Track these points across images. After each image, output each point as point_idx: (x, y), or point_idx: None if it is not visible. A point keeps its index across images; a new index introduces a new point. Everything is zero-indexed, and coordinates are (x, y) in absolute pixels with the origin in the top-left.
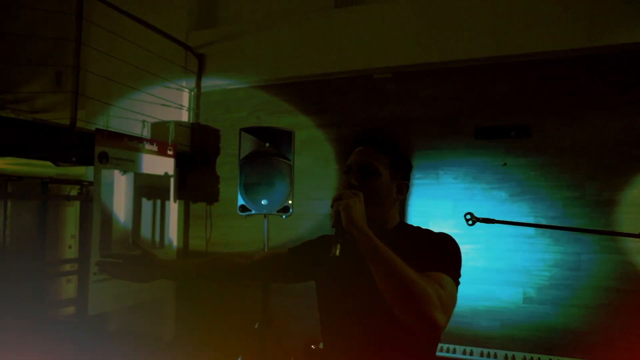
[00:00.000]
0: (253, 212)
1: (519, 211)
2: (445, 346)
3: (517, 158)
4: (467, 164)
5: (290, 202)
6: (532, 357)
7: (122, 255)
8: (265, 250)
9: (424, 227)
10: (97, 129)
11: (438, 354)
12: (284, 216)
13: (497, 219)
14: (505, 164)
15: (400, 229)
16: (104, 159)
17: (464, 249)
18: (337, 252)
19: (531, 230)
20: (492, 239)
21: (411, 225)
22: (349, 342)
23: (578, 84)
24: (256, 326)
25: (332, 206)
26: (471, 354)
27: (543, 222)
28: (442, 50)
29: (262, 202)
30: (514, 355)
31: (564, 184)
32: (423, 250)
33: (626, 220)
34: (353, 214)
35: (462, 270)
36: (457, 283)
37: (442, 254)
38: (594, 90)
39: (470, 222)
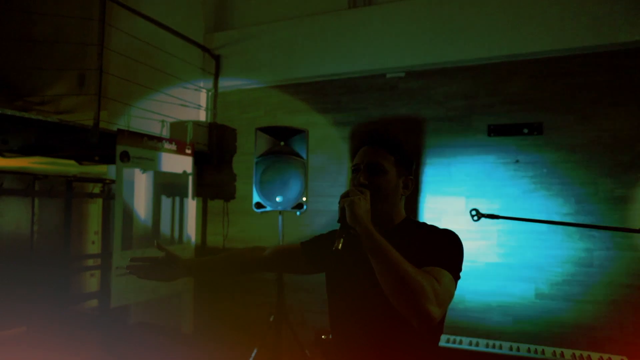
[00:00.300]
0: (268, 208)
1: (532, 208)
2: (452, 337)
3: (530, 155)
4: (479, 161)
5: (304, 199)
6: (536, 349)
7: (149, 259)
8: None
9: (435, 223)
10: (119, 129)
11: (444, 345)
12: (298, 213)
13: (510, 215)
14: (517, 161)
15: (406, 224)
16: (126, 157)
17: (476, 245)
18: (340, 246)
19: (544, 226)
20: (504, 235)
21: (417, 221)
22: (352, 334)
23: (590, 80)
24: (271, 319)
25: (339, 203)
26: (477, 345)
27: (556, 218)
28: (454, 49)
29: (277, 199)
30: (518, 346)
31: (576, 180)
32: (425, 245)
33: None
34: (357, 210)
35: (474, 267)
36: (456, 278)
37: (443, 250)
38: (606, 87)
39: (475, 217)
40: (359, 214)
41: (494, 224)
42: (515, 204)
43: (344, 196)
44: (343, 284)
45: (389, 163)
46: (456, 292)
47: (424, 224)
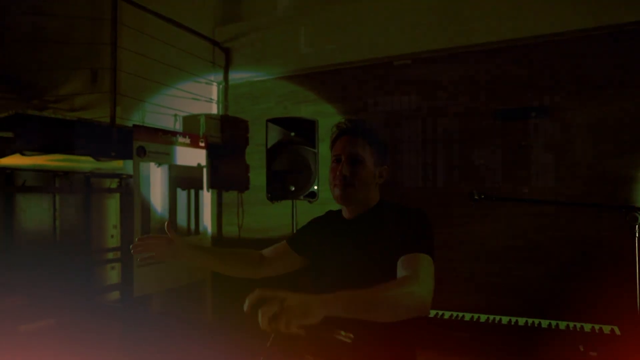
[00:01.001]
0: (281, 198)
1: (540, 190)
2: (440, 312)
3: (536, 138)
4: (487, 145)
5: (316, 187)
6: (533, 322)
7: (149, 237)
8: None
9: (444, 208)
10: (135, 125)
11: (437, 318)
12: (310, 201)
13: (517, 198)
14: (524, 144)
15: (379, 207)
16: (142, 152)
17: (485, 228)
18: (349, 336)
19: (551, 208)
20: (513, 218)
21: (389, 202)
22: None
23: (596, 62)
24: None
25: (262, 320)
26: (462, 318)
27: (563, 200)
28: (460, 34)
29: (290, 189)
30: (517, 320)
31: (584, 162)
32: (398, 227)
33: None
34: (307, 316)
35: (484, 249)
36: (433, 256)
37: (415, 232)
38: (612, 69)
39: (473, 200)
40: (311, 312)
41: (503, 206)
42: (523, 186)
43: (262, 307)
44: (329, 264)
45: (368, 153)
46: (466, 274)
47: (396, 204)
